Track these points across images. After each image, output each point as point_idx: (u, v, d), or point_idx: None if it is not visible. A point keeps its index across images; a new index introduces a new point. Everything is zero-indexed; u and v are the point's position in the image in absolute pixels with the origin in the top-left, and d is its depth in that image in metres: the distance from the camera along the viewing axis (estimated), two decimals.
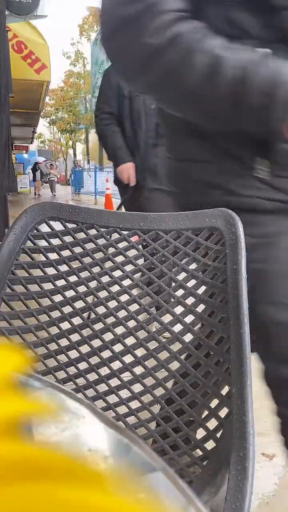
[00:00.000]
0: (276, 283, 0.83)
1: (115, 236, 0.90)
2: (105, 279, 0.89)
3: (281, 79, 0.65)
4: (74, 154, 39.61)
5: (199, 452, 0.70)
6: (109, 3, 0.75)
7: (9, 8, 5.23)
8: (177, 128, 0.88)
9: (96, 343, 0.85)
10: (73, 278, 0.89)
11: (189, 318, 0.81)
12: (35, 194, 17.35)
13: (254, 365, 0.66)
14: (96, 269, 0.89)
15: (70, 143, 38.48)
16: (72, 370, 0.85)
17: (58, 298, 0.88)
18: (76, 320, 0.86)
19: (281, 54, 0.69)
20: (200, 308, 0.79)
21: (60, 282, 0.89)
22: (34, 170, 18.30)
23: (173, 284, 0.85)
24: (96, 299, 0.87)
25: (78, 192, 17.58)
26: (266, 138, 0.76)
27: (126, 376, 0.82)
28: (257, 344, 0.79)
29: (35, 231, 0.88)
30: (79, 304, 0.88)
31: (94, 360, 0.85)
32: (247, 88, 0.66)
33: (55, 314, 0.87)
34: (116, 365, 0.84)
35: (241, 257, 0.71)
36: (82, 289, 0.89)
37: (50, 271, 0.89)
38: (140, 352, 0.83)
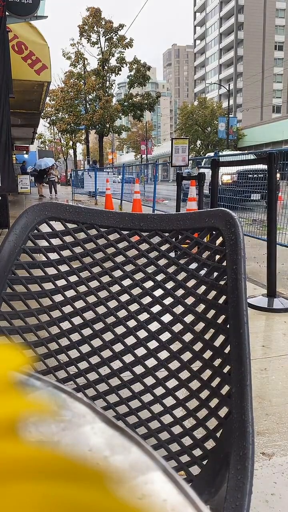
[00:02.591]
0: None
1: (115, 236, 0.90)
2: (105, 279, 0.89)
3: None
4: (75, 155, 39.62)
5: (199, 451, 0.70)
6: None
7: (10, 9, 5.23)
8: None
9: (96, 342, 0.86)
10: (73, 278, 0.89)
11: (189, 318, 0.81)
12: (41, 196, 17.08)
13: (254, 365, 0.66)
14: (96, 269, 0.89)
15: (71, 143, 38.49)
16: (72, 369, 0.85)
17: (58, 298, 0.88)
18: (77, 320, 0.87)
19: None
20: (200, 308, 0.79)
21: (61, 282, 0.89)
22: (43, 172, 17.79)
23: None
24: (96, 299, 0.88)
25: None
26: None
27: (126, 375, 0.82)
28: None
29: (36, 231, 0.88)
30: (79, 304, 0.88)
31: (95, 359, 0.85)
32: None
33: (56, 313, 0.87)
34: (116, 364, 0.84)
35: (241, 257, 0.72)
36: (82, 289, 0.89)
37: (51, 271, 0.89)
38: (140, 351, 0.83)
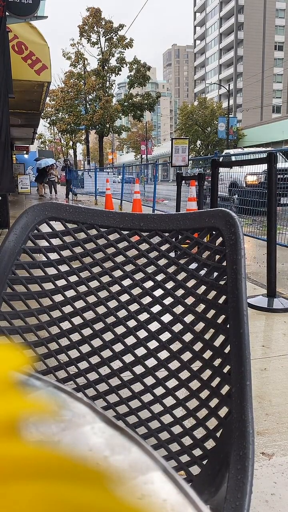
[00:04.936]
0: None
1: (115, 236, 0.90)
2: (105, 279, 0.89)
3: None
4: (75, 155, 39.62)
5: (199, 451, 0.70)
6: None
7: (10, 9, 5.23)
8: None
9: (96, 342, 0.86)
10: (73, 278, 0.89)
11: (189, 318, 0.81)
12: (41, 196, 17.10)
13: (254, 365, 0.66)
14: (96, 269, 0.89)
15: (71, 143, 38.49)
16: (72, 369, 0.85)
17: (58, 298, 0.88)
18: (77, 320, 0.87)
19: None
20: (200, 308, 0.79)
21: (61, 282, 0.89)
22: (43, 172, 17.70)
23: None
24: (96, 299, 0.88)
25: (75, 194, 16.11)
26: None
27: (126, 375, 0.82)
28: None
29: (36, 231, 0.88)
30: (79, 304, 0.88)
31: (95, 359, 0.85)
32: None
33: (56, 313, 0.87)
34: (116, 364, 0.84)
35: (241, 257, 0.72)
36: (82, 289, 0.89)
37: (51, 271, 0.89)
38: (140, 351, 0.83)
